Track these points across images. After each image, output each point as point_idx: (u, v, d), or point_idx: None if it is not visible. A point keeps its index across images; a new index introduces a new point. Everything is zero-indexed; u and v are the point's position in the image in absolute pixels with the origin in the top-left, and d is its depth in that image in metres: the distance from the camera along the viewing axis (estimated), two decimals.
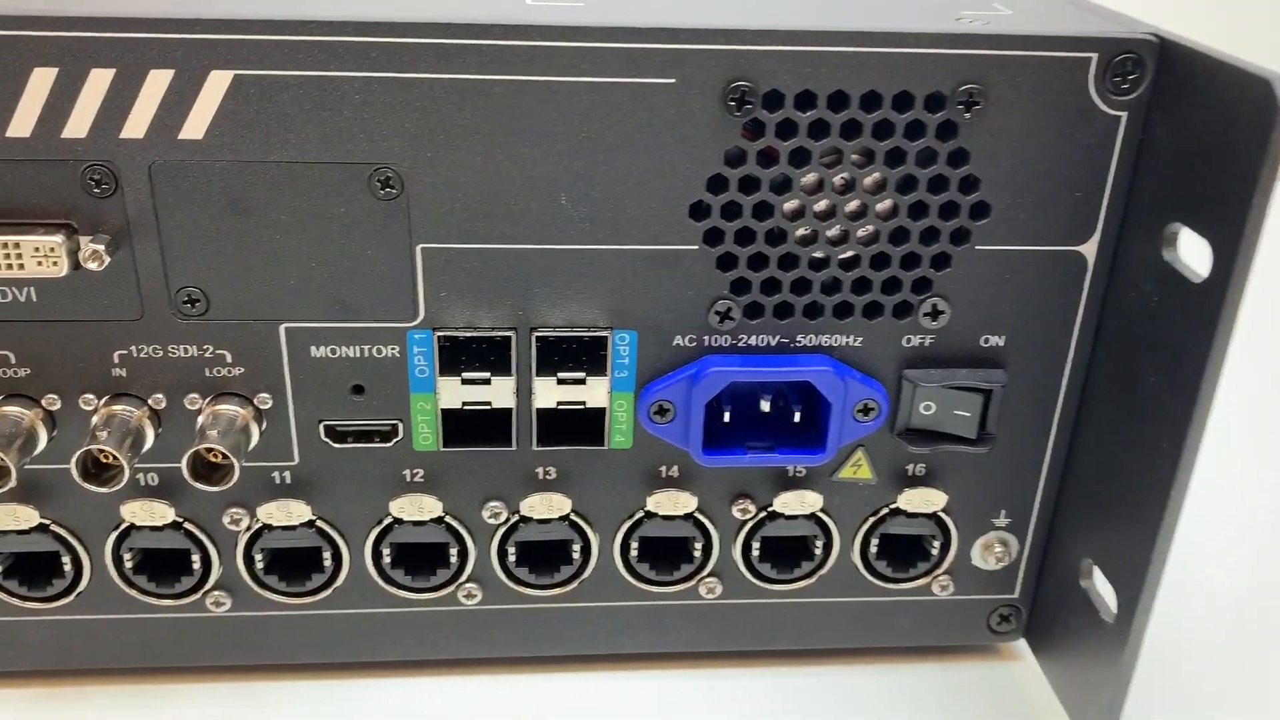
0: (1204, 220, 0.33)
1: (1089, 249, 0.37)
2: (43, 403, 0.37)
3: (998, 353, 0.39)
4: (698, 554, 0.42)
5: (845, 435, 0.39)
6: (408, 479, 0.39)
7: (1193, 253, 0.34)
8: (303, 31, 0.32)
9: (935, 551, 0.42)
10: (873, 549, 0.42)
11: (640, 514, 0.41)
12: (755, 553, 0.42)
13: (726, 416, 0.39)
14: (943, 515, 0.42)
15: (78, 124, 0.33)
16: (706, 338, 0.38)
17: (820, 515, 0.41)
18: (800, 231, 0.36)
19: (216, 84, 0.33)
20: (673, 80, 0.34)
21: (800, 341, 0.38)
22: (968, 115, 0.35)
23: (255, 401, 0.37)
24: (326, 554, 0.40)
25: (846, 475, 0.41)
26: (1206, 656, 0.47)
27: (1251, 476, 0.60)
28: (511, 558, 0.41)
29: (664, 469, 0.40)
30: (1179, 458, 0.34)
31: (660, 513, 0.41)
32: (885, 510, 0.41)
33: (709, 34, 0.33)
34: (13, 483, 0.35)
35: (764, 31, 0.33)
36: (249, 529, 0.40)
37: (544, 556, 0.42)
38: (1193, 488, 0.35)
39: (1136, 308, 0.36)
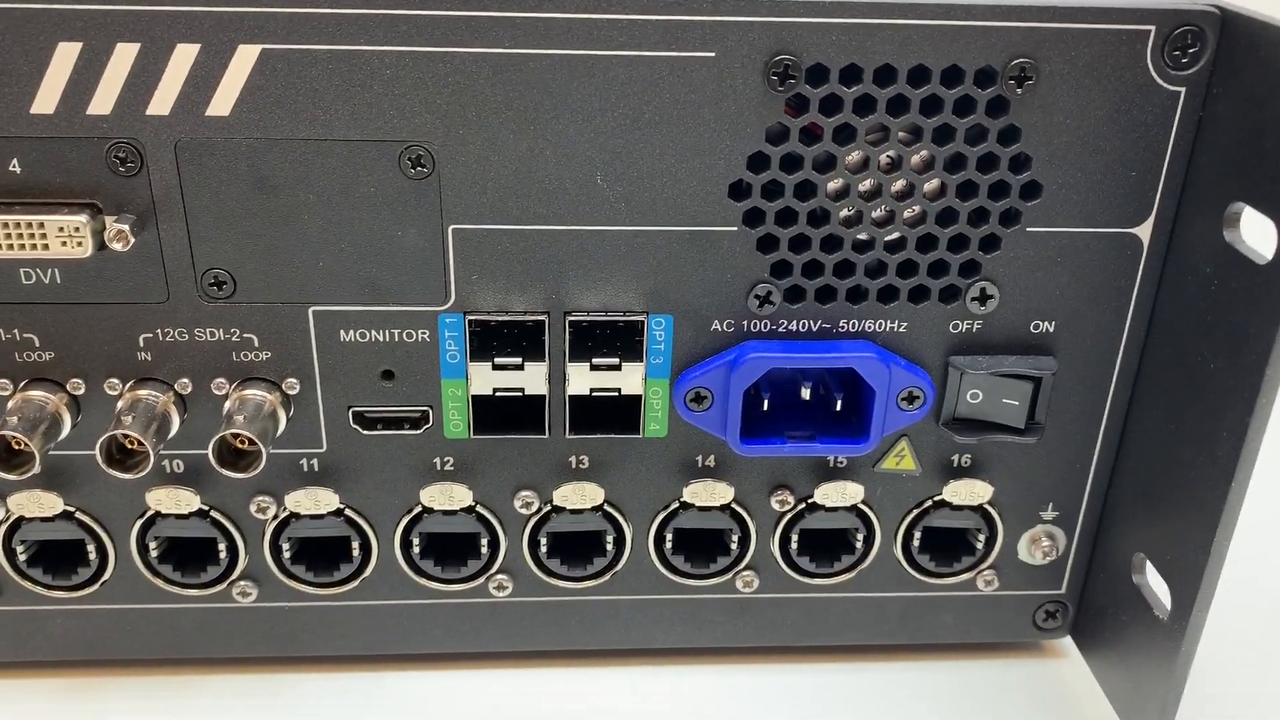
0: (1269, 199, 0.31)
1: (1144, 231, 0.36)
2: (67, 387, 0.36)
3: (1048, 339, 0.37)
4: (734, 546, 0.41)
5: (889, 424, 0.38)
6: (438, 467, 0.39)
7: (1257, 233, 0.33)
8: (332, 4, 0.31)
9: (980, 545, 0.41)
10: (915, 542, 0.41)
11: (675, 504, 0.40)
12: (794, 546, 0.41)
13: (765, 404, 0.38)
14: (988, 508, 0.41)
15: (102, 100, 0.32)
16: (745, 322, 0.37)
17: (861, 507, 0.40)
18: (844, 212, 0.35)
19: (244, 59, 0.32)
20: (713, 54, 0.33)
21: (843, 326, 0.37)
22: (1019, 91, 0.33)
23: (283, 386, 0.37)
24: (355, 543, 0.40)
25: (889, 466, 0.39)
26: (1262, 655, 0.45)
27: None
28: (543, 548, 0.40)
29: (700, 458, 0.39)
30: (1241, 447, 0.33)
31: (696, 503, 0.40)
32: (929, 502, 0.40)
33: (751, 5, 0.32)
34: (37, 468, 0.35)
35: (809, 3, 0.32)
36: (276, 517, 0.39)
37: (576, 548, 0.41)
38: (1254, 479, 0.33)
39: (1195, 292, 0.35)
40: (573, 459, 0.39)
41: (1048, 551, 0.41)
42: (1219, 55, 0.33)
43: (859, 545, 0.41)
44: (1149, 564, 0.38)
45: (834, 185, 0.35)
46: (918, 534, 0.41)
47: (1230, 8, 0.33)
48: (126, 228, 0.33)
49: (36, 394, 0.36)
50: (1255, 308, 0.32)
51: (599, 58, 0.32)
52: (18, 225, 0.33)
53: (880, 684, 0.43)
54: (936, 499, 0.40)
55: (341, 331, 0.36)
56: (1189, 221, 0.35)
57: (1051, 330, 0.37)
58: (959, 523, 0.41)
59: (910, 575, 0.42)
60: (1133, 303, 0.37)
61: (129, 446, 0.35)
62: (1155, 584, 0.38)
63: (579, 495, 0.39)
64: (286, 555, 0.40)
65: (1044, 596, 0.43)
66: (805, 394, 0.38)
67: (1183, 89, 0.34)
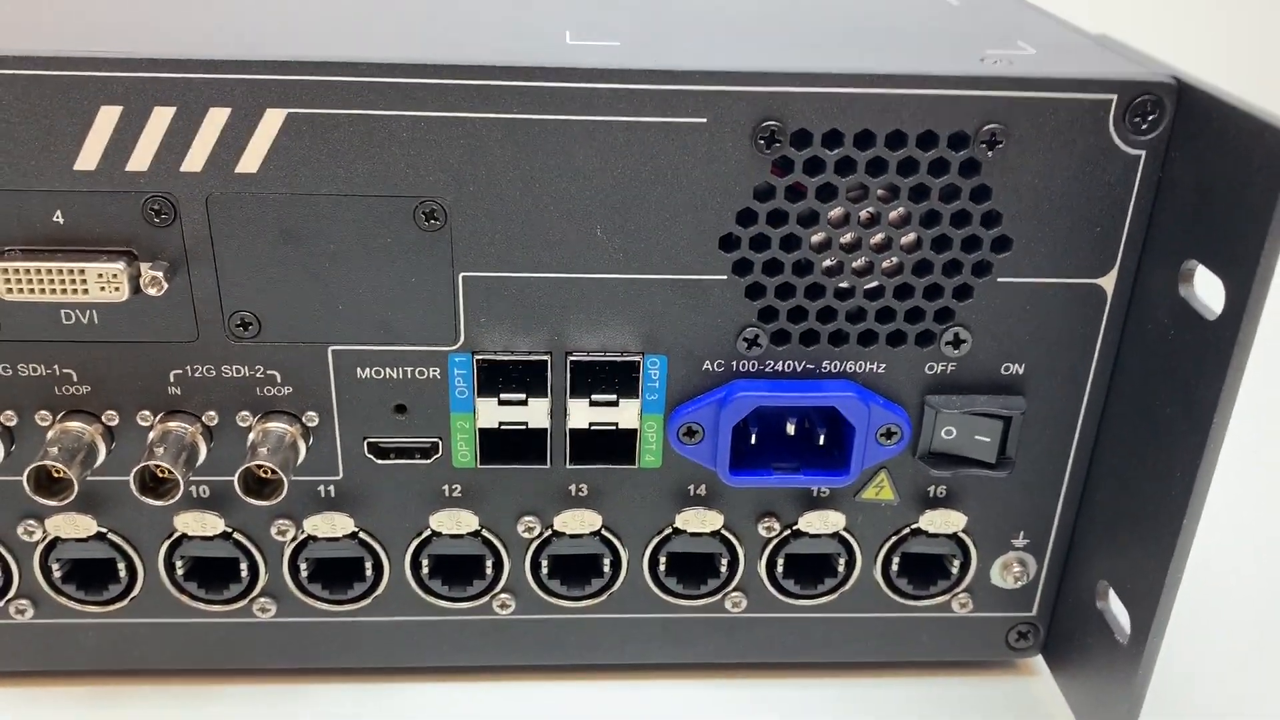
0: (1218, 260, 0.34)
1: (1108, 282, 0.38)
2: (102, 418, 0.38)
3: (1018, 380, 0.40)
4: (724, 569, 0.43)
5: (868, 458, 0.40)
6: (446, 494, 0.41)
7: (1208, 290, 0.35)
8: (353, 73, 0.34)
9: (955, 570, 0.44)
10: (894, 567, 0.43)
11: (669, 530, 0.42)
12: (780, 569, 0.43)
13: (753, 438, 0.40)
14: (963, 535, 0.43)
15: (140, 158, 0.35)
16: (734, 363, 0.39)
17: (843, 534, 0.43)
18: (826, 262, 0.38)
19: (271, 121, 0.34)
20: (705, 120, 0.35)
21: (825, 367, 0.39)
22: (990, 153, 0.36)
23: (303, 419, 0.39)
24: (368, 564, 0.42)
25: (869, 496, 0.42)
26: (1220, 672, 0.48)
27: (1266, 501, 0.61)
28: (544, 570, 0.43)
29: (692, 488, 0.41)
30: (1192, 487, 0.35)
31: (688, 529, 0.42)
32: (907, 530, 0.43)
33: (740, 76, 0.34)
34: (74, 495, 0.37)
35: (793, 74, 0.34)
36: (295, 539, 0.41)
37: (576, 569, 0.43)
38: (1207, 510, 0.36)
39: (1154, 340, 0.37)
40: (573, 487, 0.41)
41: (1019, 576, 0.44)
42: (1176, 121, 0.36)
43: (841, 569, 0.43)
44: (1111, 591, 0.41)
45: (817, 238, 0.37)
46: (896, 559, 0.43)
47: (1187, 79, 0.36)
48: (160, 274, 0.36)
49: (74, 425, 0.38)
50: (1205, 360, 0.34)
51: (600, 123, 0.35)
52: (60, 271, 0.35)
53: (861, 699, 0.45)
54: (914, 527, 0.43)
55: (358, 369, 0.39)
56: (1149, 274, 0.37)
57: (1021, 372, 0.40)
58: (935, 549, 0.43)
59: (889, 597, 0.44)
60: (1097, 348, 0.39)
61: (160, 475, 0.38)
62: (1117, 610, 0.40)
63: (578, 521, 0.42)
64: (304, 574, 0.42)
65: (1016, 618, 0.45)
66: (790, 429, 0.40)
67: (1143, 152, 0.36)
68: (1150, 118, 0.36)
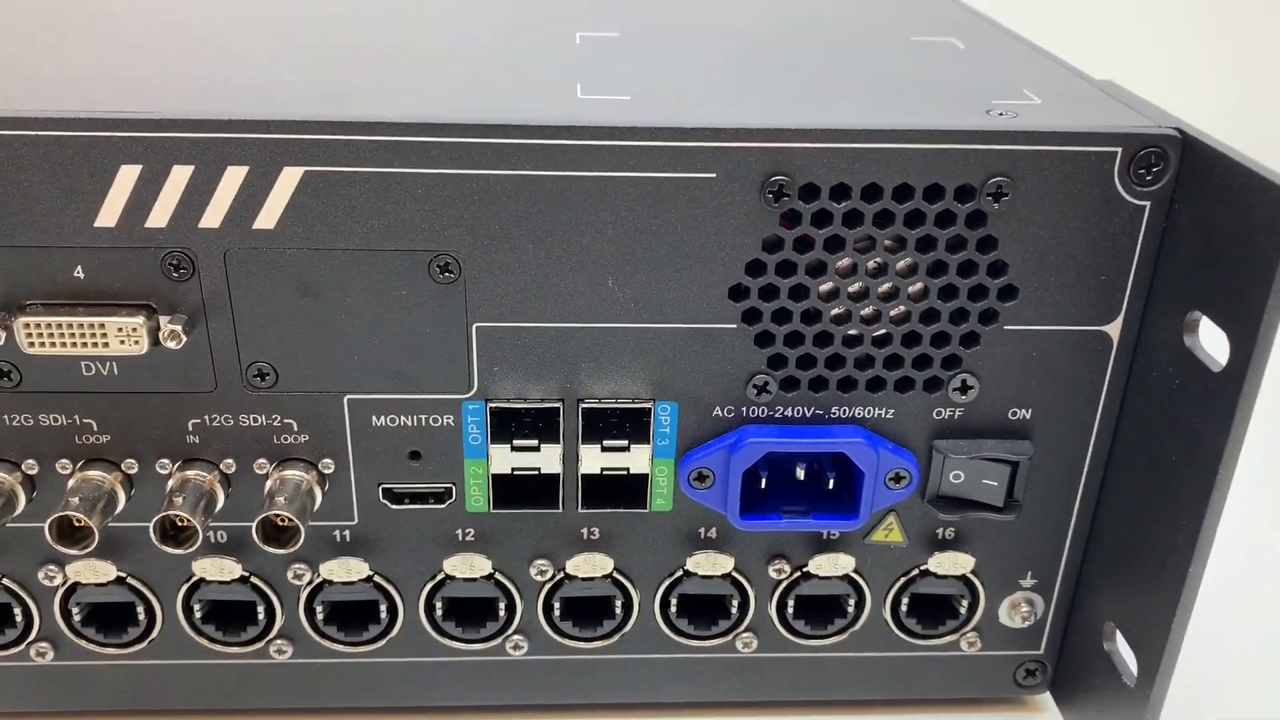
0: (1222, 312, 0.34)
1: (1114, 329, 0.39)
2: (122, 467, 0.39)
3: (1025, 425, 0.40)
4: (734, 610, 0.44)
5: (877, 502, 0.41)
6: (460, 538, 0.42)
7: (1212, 341, 0.35)
8: (369, 132, 0.34)
9: (964, 610, 0.44)
10: (903, 607, 0.44)
11: (680, 573, 0.43)
12: (790, 610, 0.44)
13: (763, 482, 0.41)
14: (971, 576, 0.43)
15: (159, 215, 0.35)
16: (744, 409, 0.40)
17: (853, 575, 0.43)
18: (834, 311, 0.38)
19: (288, 179, 0.35)
20: (714, 175, 0.35)
21: (834, 413, 0.40)
22: (996, 205, 0.36)
23: (319, 466, 0.40)
24: (383, 606, 0.43)
25: (878, 538, 0.42)
26: (1229, 714, 0.48)
27: (1272, 546, 0.61)
28: (557, 612, 0.43)
29: (703, 531, 0.42)
30: (1198, 533, 0.36)
31: (699, 572, 0.43)
32: (915, 571, 0.43)
33: (749, 133, 0.35)
34: (95, 543, 0.38)
35: (801, 130, 0.35)
36: (311, 583, 0.42)
37: (588, 610, 0.44)
38: (1213, 554, 0.36)
39: (1159, 388, 0.38)
40: (584, 531, 0.42)
41: (1026, 616, 0.44)
42: (1181, 173, 0.36)
43: (851, 610, 0.44)
44: (1119, 633, 0.41)
45: (825, 287, 0.38)
46: (905, 599, 0.44)
47: (1191, 132, 0.36)
48: (179, 327, 0.36)
49: (94, 473, 0.39)
50: (1210, 411, 0.35)
51: (611, 179, 0.35)
52: (81, 325, 0.36)
53: None
54: (922, 568, 0.43)
55: (373, 417, 0.39)
56: (1154, 323, 0.38)
57: (1028, 417, 0.40)
58: (943, 590, 0.44)
59: (898, 637, 0.45)
60: (1103, 394, 0.40)
61: (180, 524, 0.39)
62: (1124, 652, 0.41)
63: (590, 564, 0.42)
64: (320, 617, 0.43)
65: (1024, 656, 0.45)
66: (800, 474, 0.41)
67: (1148, 203, 0.37)
68: (1154, 170, 0.36)
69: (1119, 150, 0.36)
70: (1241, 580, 0.56)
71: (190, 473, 0.39)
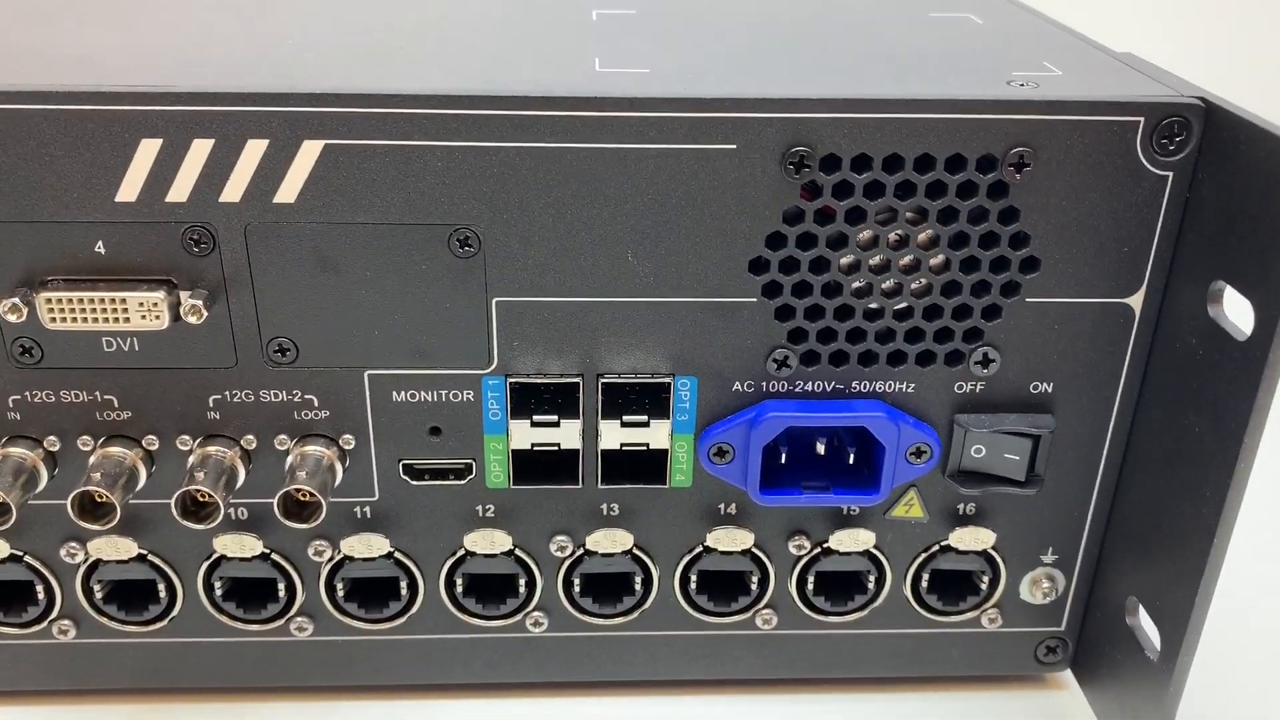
0: (1246, 281, 0.34)
1: (1136, 301, 0.38)
2: (143, 443, 0.39)
3: (1046, 399, 0.40)
4: (754, 587, 0.43)
5: (898, 476, 0.41)
6: (480, 514, 0.42)
7: (1237, 310, 0.35)
8: (389, 104, 0.34)
9: (984, 586, 0.44)
10: (924, 583, 0.44)
11: (699, 549, 0.43)
12: (810, 586, 0.43)
13: (783, 457, 0.41)
14: (992, 552, 0.43)
15: (180, 189, 0.35)
16: (764, 383, 0.40)
17: (873, 551, 0.43)
18: (855, 284, 0.38)
19: (308, 153, 0.35)
20: (734, 146, 0.35)
21: (855, 387, 0.40)
22: (1018, 176, 0.36)
23: (340, 442, 0.40)
24: (403, 583, 0.43)
25: (899, 514, 0.42)
26: (1253, 689, 0.48)
27: None
28: (577, 588, 0.43)
29: (723, 507, 0.42)
30: (1222, 506, 0.35)
31: (719, 548, 0.42)
32: (936, 547, 0.43)
33: (769, 103, 0.35)
34: (117, 519, 0.38)
35: (821, 100, 0.35)
36: (331, 560, 0.42)
37: (607, 587, 0.44)
38: (1237, 527, 0.36)
39: (1182, 359, 0.38)
40: (604, 507, 0.42)
41: (1048, 592, 0.44)
42: (1204, 142, 0.36)
43: (871, 586, 0.44)
44: (1141, 607, 0.41)
45: (846, 260, 0.38)
46: (926, 576, 0.44)
47: (1214, 100, 0.36)
48: (200, 302, 0.36)
49: (115, 450, 0.39)
50: (1234, 380, 0.34)
51: (631, 150, 0.35)
52: (102, 301, 0.36)
53: (892, 713, 0.46)
54: (943, 544, 0.43)
55: (394, 392, 0.39)
56: (1177, 294, 0.38)
57: (1050, 391, 0.40)
58: (964, 566, 0.43)
59: (919, 613, 0.44)
60: (1125, 367, 0.39)
61: (201, 499, 0.39)
62: (1147, 626, 0.41)
63: (610, 540, 0.42)
64: (340, 594, 0.43)
65: (1045, 633, 0.45)
66: (820, 449, 0.41)
67: (1170, 173, 0.36)
68: (1177, 139, 0.36)
69: (1141, 120, 0.36)
70: (1268, 552, 0.56)
71: (211, 449, 0.39)
